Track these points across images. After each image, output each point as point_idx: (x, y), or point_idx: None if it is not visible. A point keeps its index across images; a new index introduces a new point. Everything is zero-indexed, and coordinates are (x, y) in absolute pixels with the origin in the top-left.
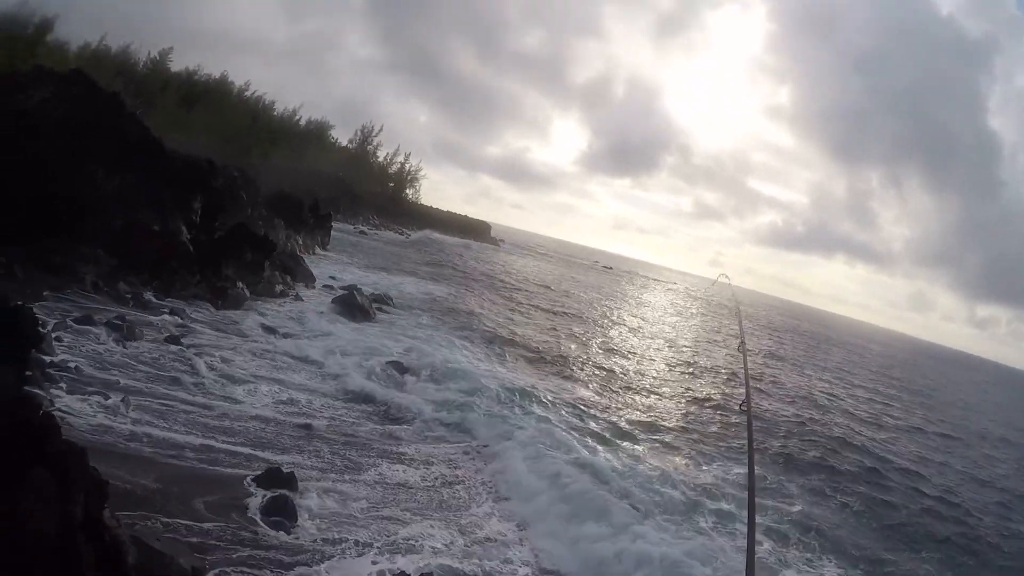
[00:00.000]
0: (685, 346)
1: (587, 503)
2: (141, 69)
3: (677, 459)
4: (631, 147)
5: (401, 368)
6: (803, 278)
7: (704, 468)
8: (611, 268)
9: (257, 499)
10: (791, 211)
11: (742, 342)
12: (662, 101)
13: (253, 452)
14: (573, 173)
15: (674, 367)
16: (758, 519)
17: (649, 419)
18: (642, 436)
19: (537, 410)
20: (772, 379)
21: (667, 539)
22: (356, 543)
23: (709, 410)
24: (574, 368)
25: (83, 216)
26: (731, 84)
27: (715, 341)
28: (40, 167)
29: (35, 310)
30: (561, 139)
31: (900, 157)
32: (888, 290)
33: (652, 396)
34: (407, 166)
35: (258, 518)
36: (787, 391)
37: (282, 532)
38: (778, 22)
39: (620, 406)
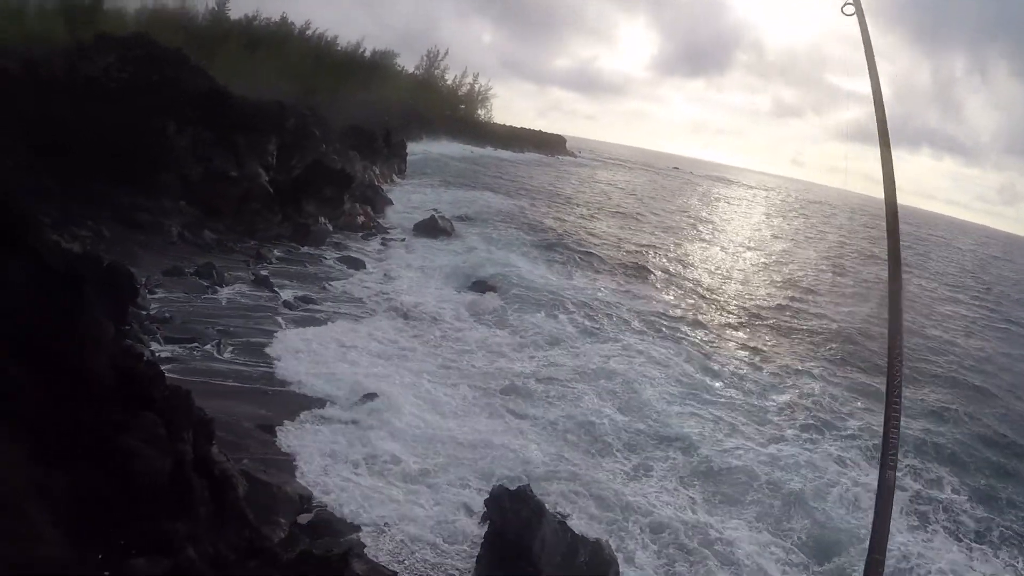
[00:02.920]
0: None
1: None
2: (200, 22)
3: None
4: (702, 47)
5: (483, 286)
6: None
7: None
8: (677, 168)
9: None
10: (873, 104)
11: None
12: None
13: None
14: (645, 79)
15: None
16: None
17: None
18: None
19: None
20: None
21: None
22: None
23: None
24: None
25: (161, 170)
26: None
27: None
28: (114, 129)
29: (127, 265)
30: (630, 44)
31: (985, 40)
32: (977, 183)
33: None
34: (476, 86)
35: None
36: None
37: None
38: None
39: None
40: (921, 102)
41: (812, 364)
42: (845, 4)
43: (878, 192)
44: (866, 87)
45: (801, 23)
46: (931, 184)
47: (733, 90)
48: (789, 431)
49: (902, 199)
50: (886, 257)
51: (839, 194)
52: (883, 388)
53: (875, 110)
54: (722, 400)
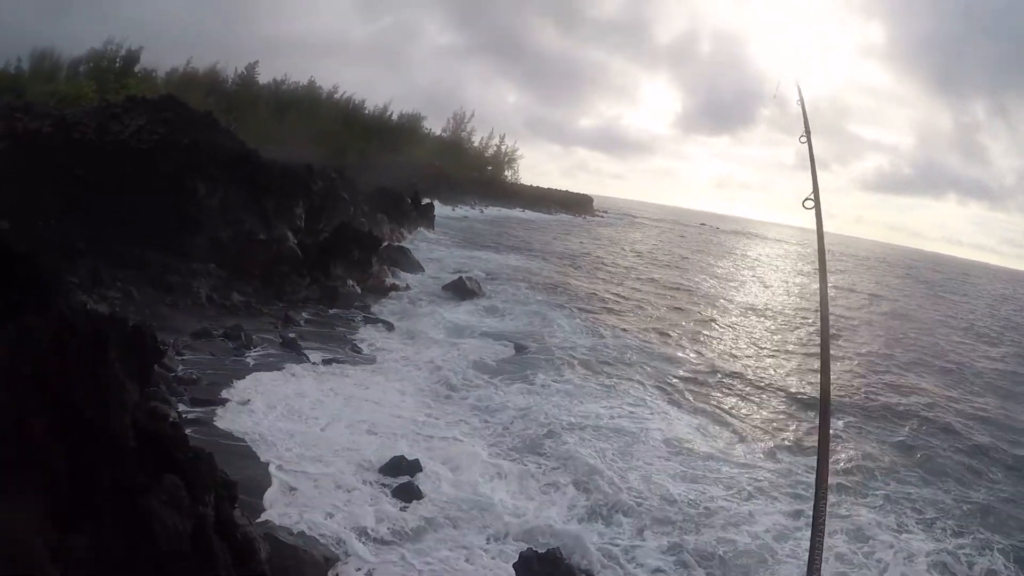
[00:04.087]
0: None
1: None
2: (230, 85)
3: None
4: (725, 103)
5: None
6: (914, 221)
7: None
8: (704, 224)
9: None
10: (896, 153)
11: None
12: (751, 51)
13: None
14: (669, 136)
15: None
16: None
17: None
18: None
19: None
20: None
21: None
22: None
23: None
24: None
25: (191, 232)
26: (820, 26)
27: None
28: (144, 191)
29: (154, 327)
30: (653, 103)
31: (1005, 83)
32: (1003, 226)
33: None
34: (503, 148)
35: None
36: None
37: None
38: None
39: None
40: (944, 148)
41: None
42: (805, 199)
43: (906, 240)
44: (887, 136)
45: (823, 75)
46: (958, 229)
47: (757, 145)
48: None
49: (927, 246)
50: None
51: (861, 244)
52: None
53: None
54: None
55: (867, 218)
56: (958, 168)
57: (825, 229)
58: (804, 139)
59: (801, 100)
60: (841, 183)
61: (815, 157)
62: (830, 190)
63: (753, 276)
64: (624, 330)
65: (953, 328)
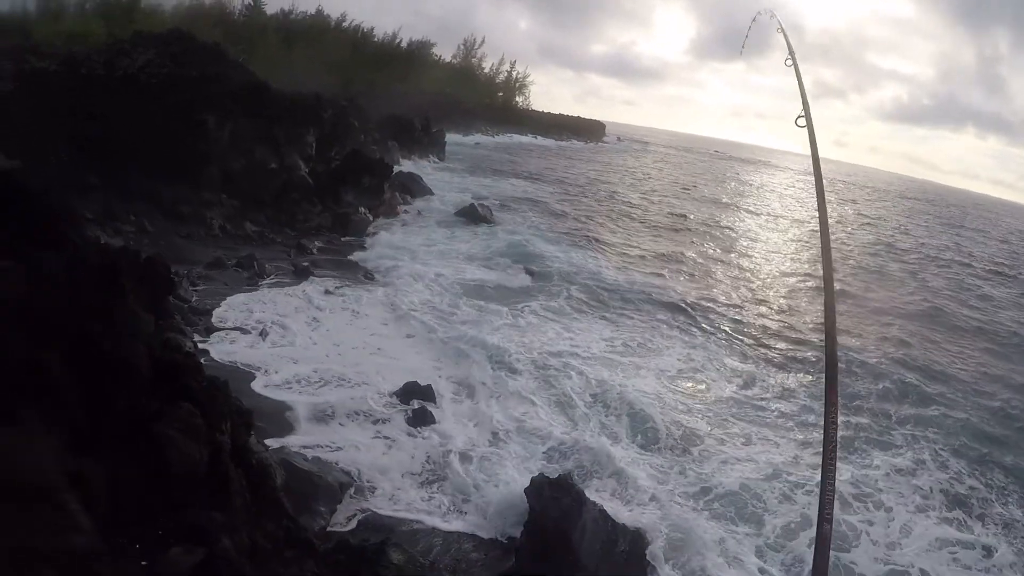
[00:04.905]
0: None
1: None
2: (237, 17)
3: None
4: (740, 30)
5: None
6: (931, 154)
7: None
8: (718, 151)
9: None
10: (915, 84)
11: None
12: None
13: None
14: (683, 63)
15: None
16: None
17: None
18: None
19: None
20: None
21: None
22: None
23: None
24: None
25: (203, 163)
26: None
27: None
28: (154, 124)
29: (168, 259)
30: (667, 29)
31: None
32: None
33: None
34: (514, 74)
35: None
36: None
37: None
38: None
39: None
40: (965, 81)
41: None
42: (798, 116)
43: (918, 172)
44: (906, 66)
45: (842, 3)
46: (975, 163)
47: (773, 73)
48: None
49: (943, 179)
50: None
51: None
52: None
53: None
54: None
55: (882, 148)
56: (978, 101)
57: (837, 158)
58: (790, 62)
59: (781, 27)
60: (856, 112)
61: (831, 88)
62: (844, 119)
63: (765, 206)
64: (631, 261)
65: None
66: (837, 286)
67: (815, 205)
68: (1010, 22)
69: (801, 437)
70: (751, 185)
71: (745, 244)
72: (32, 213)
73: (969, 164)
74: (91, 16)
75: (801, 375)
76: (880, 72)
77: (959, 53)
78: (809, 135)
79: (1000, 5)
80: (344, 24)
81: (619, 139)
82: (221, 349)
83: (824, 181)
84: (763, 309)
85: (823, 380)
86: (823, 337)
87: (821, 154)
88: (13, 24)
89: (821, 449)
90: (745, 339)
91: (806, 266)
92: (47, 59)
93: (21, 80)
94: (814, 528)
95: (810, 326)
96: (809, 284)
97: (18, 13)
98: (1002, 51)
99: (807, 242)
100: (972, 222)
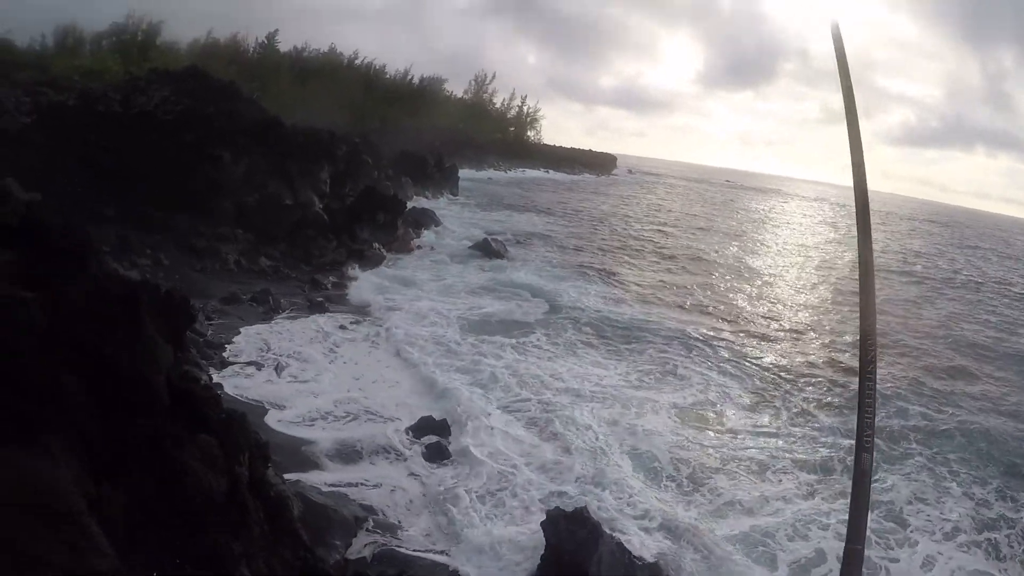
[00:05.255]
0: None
1: None
2: (252, 55)
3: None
4: (747, 58)
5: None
6: (942, 175)
7: None
8: (729, 181)
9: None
10: (922, 106)
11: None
12: (773, 4)
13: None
14: (691, 93)
15: None
16: None
17: None
18: None
19: None
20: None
21: None
22: None
23: None
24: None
25: (218, 198)
26: None
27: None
28: (170, 159)
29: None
30: (674, 59)
31: None
32: None
33: None
34: (525, 108)
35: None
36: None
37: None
38: None
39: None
40: (972, 100)
41: None
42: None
43: (933, 195)
44: (914, 89)
45: (847, 27)
46: (987, 182)
47: (780, 99)
48: None
49: (955, 200)
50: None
51: (892, 199)
52: None
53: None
54: None
55: (893, 173)
56: (987, 120)
57: (846, 183)
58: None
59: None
60: (865, 137)
61: (838, 113)
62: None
63: (789, 241)
64: (646, 297)
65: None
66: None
67: (827, 233)
68: (1013, 37)
69: (817, 473)
70: (764, 214)
71: (762, 276)
72: (53, 245)
73: (981, 184)
74: (107, 53)
75: (819, 405)
76: (888, 95)
77: (965, 72)
78: (855, 179)
79: (1002, 21)
80: (356, 61)
81: (630, 171)
82: (236, 383)
83: (838, 207)
84: (782, 343)
85: (839, 408)
86: (837, 366)
87: (830, 180)
88: (31, 58)
89: (850, 478)
90: (764, 372)
91: (826, 297)
92: (64, 92)
93: (38, 113)
94: (827, 563)
95: (826, 358)
96: (830, 316)
97: (36, 48)
98: (1007, 66)
99: (825, 273)
100: (986, 242)
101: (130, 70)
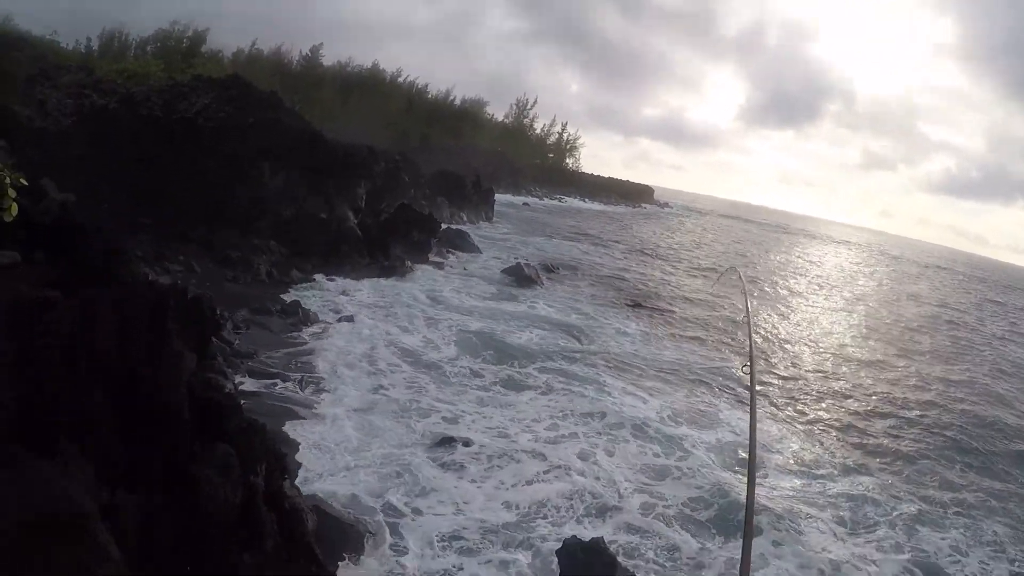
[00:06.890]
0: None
1: None
2: (295, 67)
3: None
4: (791, 97)
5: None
6: (977, 227)
7: None
8: (770, 222)
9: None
10: (964, 155)
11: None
12: (819, 45)
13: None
14: (733, 129)
15: None
16: None
17: None
18: None
19: None
20: None
21: None
22: None
23: None
24: None
25: (254, 210)
26: (891, 21)
27: None
28: (208, 168)
29: (214, 300)
30: (718, 95)
31: None
32: None
33: None
34: (564, 135)
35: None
36: None
37: None
38: None
39: None
40: (1015, 153)
41: None
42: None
43: (965, 245)
44: (958, 137)
45: (892, 72)
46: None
47: (822, 141)
48: None
49: (991, 253)
50: None
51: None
52: None
53: None
54: None
55: (930, 220)
56: None
57: (882, 228)
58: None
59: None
60: (904, 182)
61: (879, 158)
62: (890, 190)
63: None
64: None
65: None
66: (888, 358)
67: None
68: None
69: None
70: (816, 264)
71: (811, 328)
72: (85, 247)
73: (1019, 238)
74: (152, 59)
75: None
76: (929, 143)
77: (1010, 125)
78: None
79: None
80: (399, 79)
81: (667, 205)
82: (261, 393)
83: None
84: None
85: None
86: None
87: (865, 224)
88: (76, 60)
89: None
90: (804, 412)
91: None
92: (108, 95)
93: (80, 117)
94: None
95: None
96: (869, 372)
97: (82, 51)
98: None
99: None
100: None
101: (173, 76)
